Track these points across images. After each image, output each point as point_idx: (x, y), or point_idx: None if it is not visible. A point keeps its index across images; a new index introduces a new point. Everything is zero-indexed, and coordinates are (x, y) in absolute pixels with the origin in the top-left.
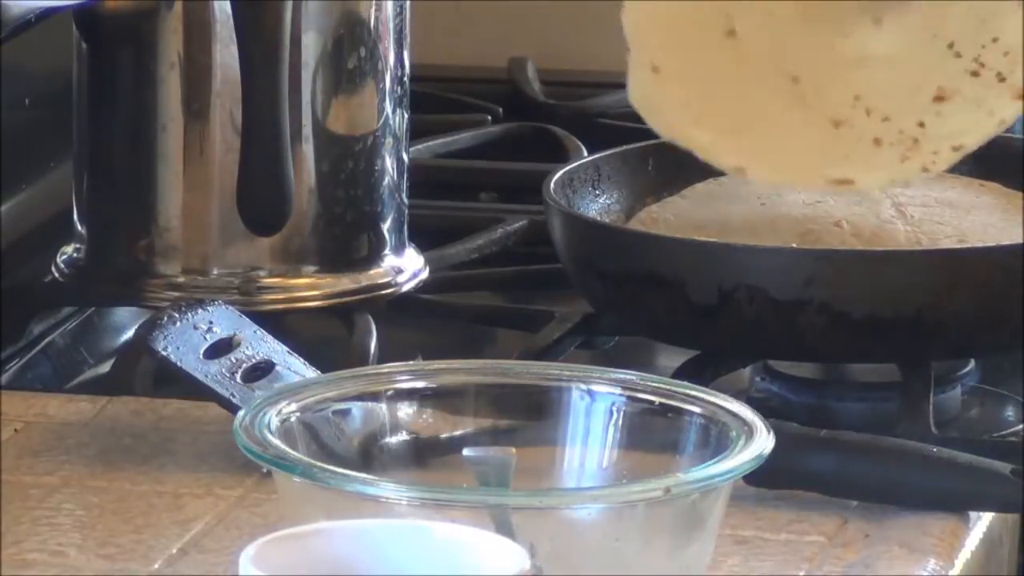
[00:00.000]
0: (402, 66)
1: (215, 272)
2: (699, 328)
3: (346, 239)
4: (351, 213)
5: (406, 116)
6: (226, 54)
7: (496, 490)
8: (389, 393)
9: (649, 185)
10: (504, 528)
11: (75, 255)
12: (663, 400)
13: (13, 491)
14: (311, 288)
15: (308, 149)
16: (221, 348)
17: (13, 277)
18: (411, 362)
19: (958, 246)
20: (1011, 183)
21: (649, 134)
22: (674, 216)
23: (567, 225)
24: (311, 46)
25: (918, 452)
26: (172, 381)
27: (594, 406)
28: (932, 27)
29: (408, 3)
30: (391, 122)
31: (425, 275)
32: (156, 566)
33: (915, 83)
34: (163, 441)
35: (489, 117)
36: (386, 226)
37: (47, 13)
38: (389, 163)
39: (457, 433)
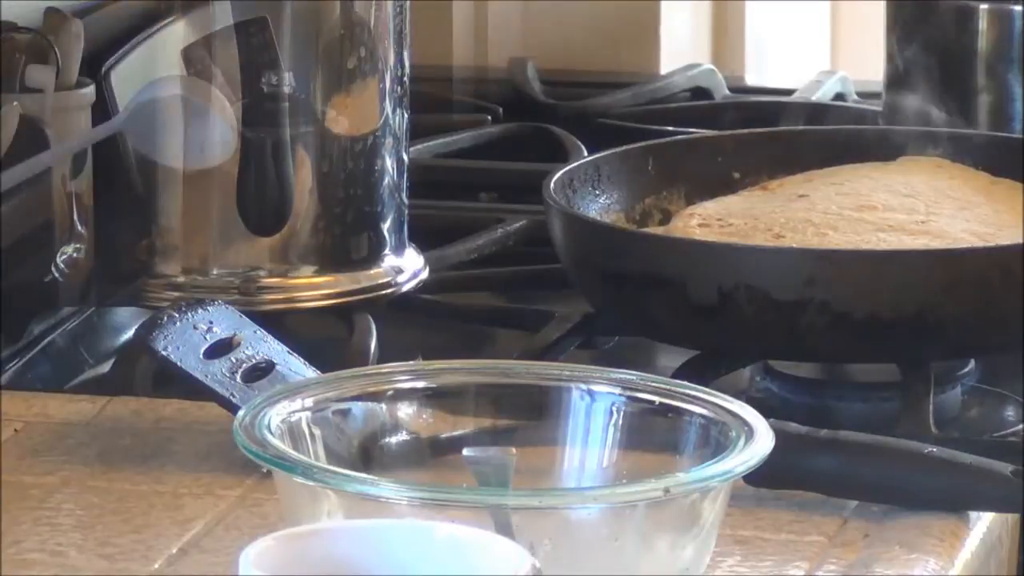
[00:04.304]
0: (402, 66)
1: (215, 272)
2: (699, 328)
3: (346, 239)
4: (351, 213)
5: (406, 116)
6: (226, 54)
7: (496, 490)
8: (389, 393)
9: (649, 185)
10: (504, 528)
11: (75, 255)
12: (663, 400)
13: (13, 491)
14: (311, 288)
15: (308, 149)
16: (221, 348)
17: (13, 277)
18: (411, 362)
19: (958, 246)
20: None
21: (649, 134)
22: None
23: (567, 225)
24: (311, 46)
25: (918, 452)
26: (172, 381)
27: (594, 406)
28: None
29: (408, 3)
30: (391, 122)
31: (425, 275)
32: (156, 566)
33: None
34: (163, 441)
35: (489, 117)
36: (386, 226)
37: None
38: (389, 163)
39: (457, 433)
